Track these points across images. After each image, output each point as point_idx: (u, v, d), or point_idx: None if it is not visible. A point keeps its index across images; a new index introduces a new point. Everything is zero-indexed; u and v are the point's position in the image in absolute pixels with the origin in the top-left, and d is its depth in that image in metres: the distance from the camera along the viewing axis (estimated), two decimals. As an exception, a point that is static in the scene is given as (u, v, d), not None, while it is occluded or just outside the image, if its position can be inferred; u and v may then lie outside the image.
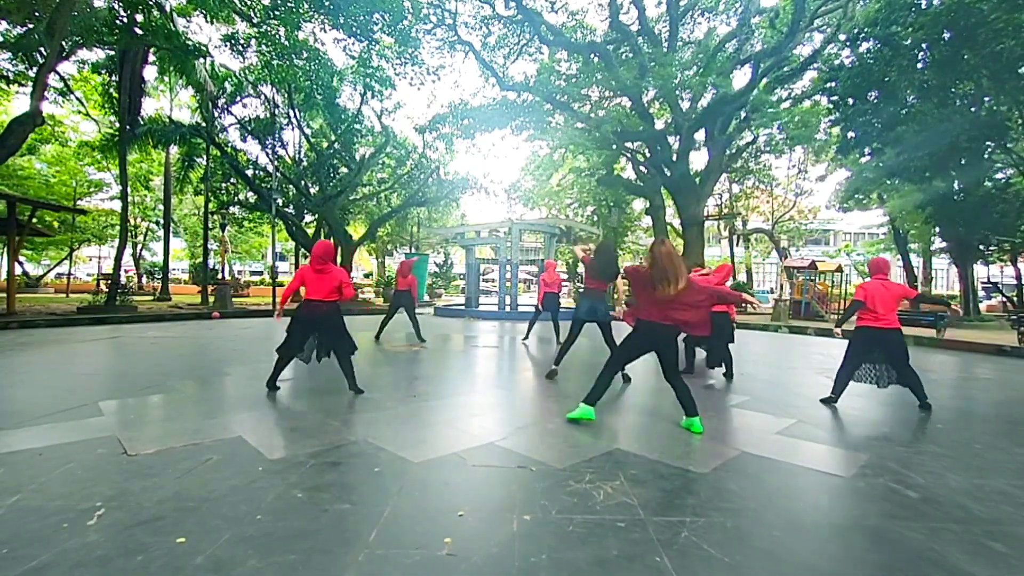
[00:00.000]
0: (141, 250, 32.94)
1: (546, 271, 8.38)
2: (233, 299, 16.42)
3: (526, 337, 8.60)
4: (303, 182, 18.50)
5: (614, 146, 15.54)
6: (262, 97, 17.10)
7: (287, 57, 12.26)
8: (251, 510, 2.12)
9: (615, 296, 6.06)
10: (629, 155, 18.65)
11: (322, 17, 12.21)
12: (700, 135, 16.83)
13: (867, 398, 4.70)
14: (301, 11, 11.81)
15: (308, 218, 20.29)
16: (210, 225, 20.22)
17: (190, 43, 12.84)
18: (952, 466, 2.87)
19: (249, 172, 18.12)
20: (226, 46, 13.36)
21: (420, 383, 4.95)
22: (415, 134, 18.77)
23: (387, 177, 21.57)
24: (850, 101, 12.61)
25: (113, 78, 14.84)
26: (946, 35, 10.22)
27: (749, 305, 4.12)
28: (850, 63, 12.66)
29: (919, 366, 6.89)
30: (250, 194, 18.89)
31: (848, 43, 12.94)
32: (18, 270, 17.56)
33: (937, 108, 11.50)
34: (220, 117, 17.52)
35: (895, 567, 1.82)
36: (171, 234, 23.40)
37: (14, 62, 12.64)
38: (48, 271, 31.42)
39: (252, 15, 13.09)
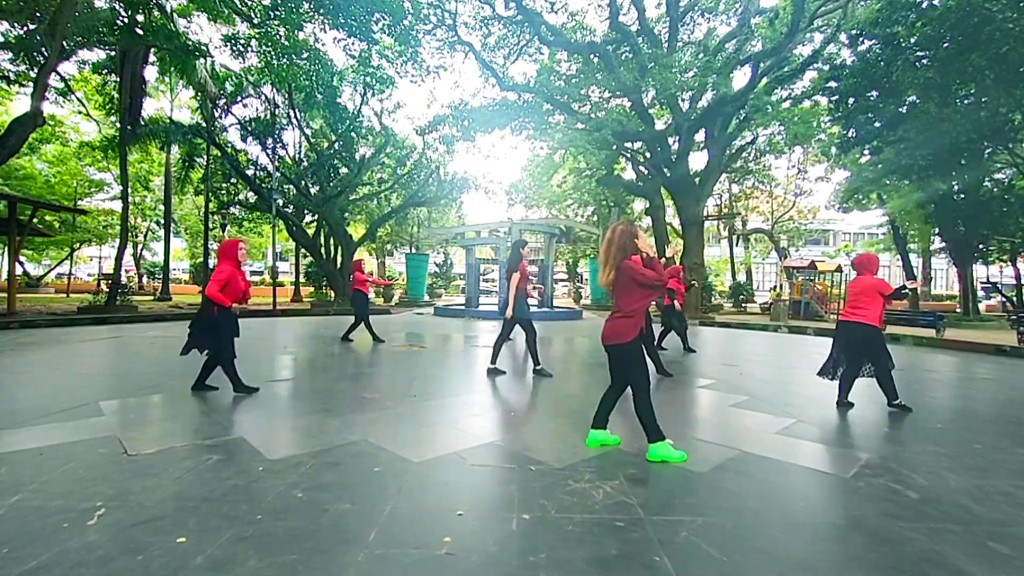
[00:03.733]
0: (142, 250, 32.96)
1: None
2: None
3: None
4: (303, 182, 18.51)
5: (614, 147, 15.55)
6: (262, 97, 17.11)
7: (287, 57, 12.27)
8: (251, 510, 2.12)
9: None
10: (629, 155, 18.66)
11: (322, 17, 12.21)
12: (700, 135, 16.83)
13: (867, 398, 4.69)
14: (301, 11, 11.81)
15: (308, 218, 20.28)
16: (210, 225, 20.25)
17: (191, 43, 12.85)
18: (953, 466, 2.86)
19: (249, 172, 18.13)
20: (226, 46, 13.36)
21: (420, 383, 4.95)
22: (415, 134, 18.80)
23: (387, 177, 21.58)
24: (851, 100, 12.60)
25: (114, 78, 14.86)
26: (949, 35, 10.18)
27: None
28: (851, 62, 12.65)
29: (920, 366, 6.91)
30: (250, 194, 18.90)
31: (849, 43, 12.94)
32: (19, 270, 17.58)
33: (938, 108, 11.49)
34: (221, 117, 17.53)
35: (896, 568, 1.81)
36: (171, 234, 23.47)
37: (15, 62, 12.65)
38: (49, 271, 31.45)
39: (252, 15, 13.09)
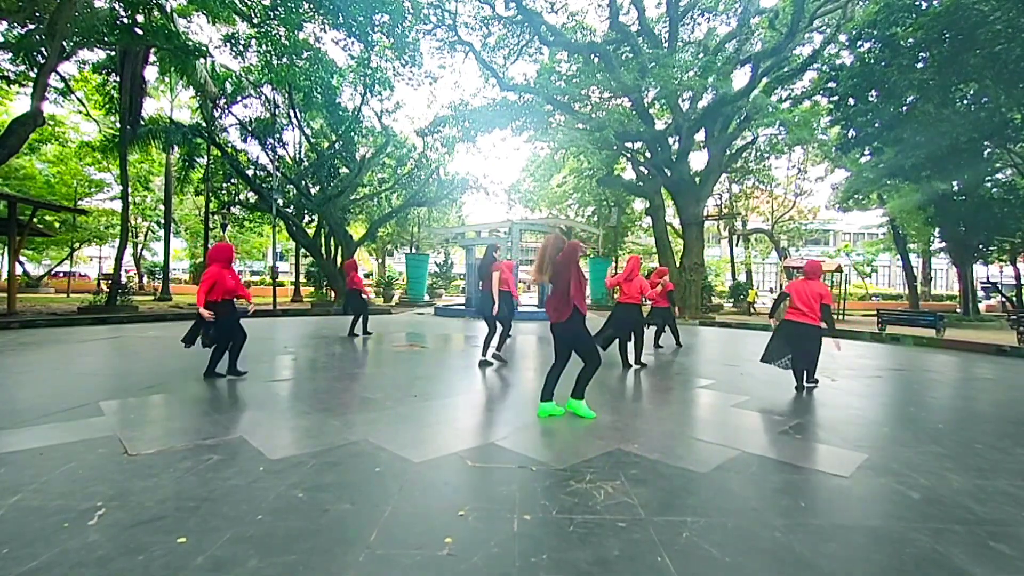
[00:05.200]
0: (142, 250, 32.97)
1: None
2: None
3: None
4: (304, 182, 18.51)
5: (615, 147, 15.54)
6: (262, 97, 17.12)
7: (287, 57, 12.27)
8: (252, 510, 2.11)
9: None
10: (630, 155, 18.66)
11: (322, 18, 12.22)
12: (700, 135, 16.83)
13: (867, 398, 4.69)
14: (301, 11, 11.81)
15: (308, 218, 20.29)
16: (211, 225, 20.26)
17: (191, 43, 12.85)
18: (954, 466, 2.86)
19: (250, 172, 18.13)
20: (226, 46, 13.37)
21: (420, 383, 4.94)
22: (416, 135, 18.81)
23: (387, 177, 21.58)
24: (850, 101, 12.60)
25: (114, 78, 14.86)
26: (946, 36, 10.20)
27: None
28: (850, 63, 12.66)
29: (920, 366, 6.91)
30: (251, 194, 18.90)
31: (848, 44, 12.95)
32: (19, 270, 17.57)
33: (937, 109, 11.49)
34: (221, 117, 17.53)
35: (898, 568, 1.81)
36: (172, 234, 23.46)
37: (15, 62, 12.66)
38: (49, 271, 31.43)
39: (252, 15, 13.10)
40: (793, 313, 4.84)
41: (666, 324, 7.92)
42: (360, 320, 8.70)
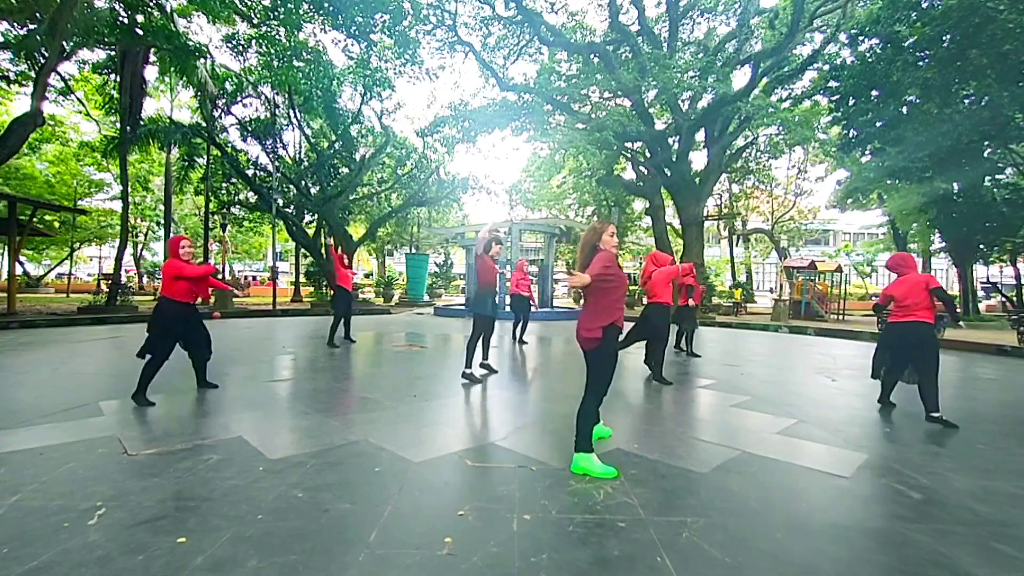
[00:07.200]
0: (142, 250, 32.95)
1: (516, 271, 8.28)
2: (233, 299, 16.41)
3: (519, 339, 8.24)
4: (303, 182, 18.49)
5: (614, 147, 15.54)
6: (262, 97, 17.10)
7: (287, 58, 12.26)
8: (252, 510, 2.11)
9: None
10: (629, 155, 18.66)
11: (321, 18, 12.22)
12: (700, 136, 16.83)
13: (867, 398, 4.68)
14: (301, 12, 11.82)
15: (308, 218, 20.27)
16: (211, 225, 20.23)
17: (191, 44, 12.85)
18: (955, 467, 2.85)
19: (249, 172, 18.11)
20: (227, 47, 13.38)
21: (420, 383, 4.94)
22: (415, 135, 18.81)
23: (387, 177, 21.58)
24: (851, 100, 12.58)
25: (114, 78, 14.85)
26: (950, 34, 10.16)
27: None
28: (851, 62, 12.65)
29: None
30: (250, 194, 18.88)
31: (848, 43, 12.93)
32: (19, 270, 17.57)
33: (939, 108, 11.46)
34: (220, 117, 17.50)
35: (900, 570, 1.81)
36: (172, 234, 23.44)
37: (15, 62, 12.66)
38: (49, 271, 31.44)
39: (252, 16, 13.10)
40: (899, 313, 3.94)
41: (683, 324, 7.19)
42: (343, 324, 7.67)
